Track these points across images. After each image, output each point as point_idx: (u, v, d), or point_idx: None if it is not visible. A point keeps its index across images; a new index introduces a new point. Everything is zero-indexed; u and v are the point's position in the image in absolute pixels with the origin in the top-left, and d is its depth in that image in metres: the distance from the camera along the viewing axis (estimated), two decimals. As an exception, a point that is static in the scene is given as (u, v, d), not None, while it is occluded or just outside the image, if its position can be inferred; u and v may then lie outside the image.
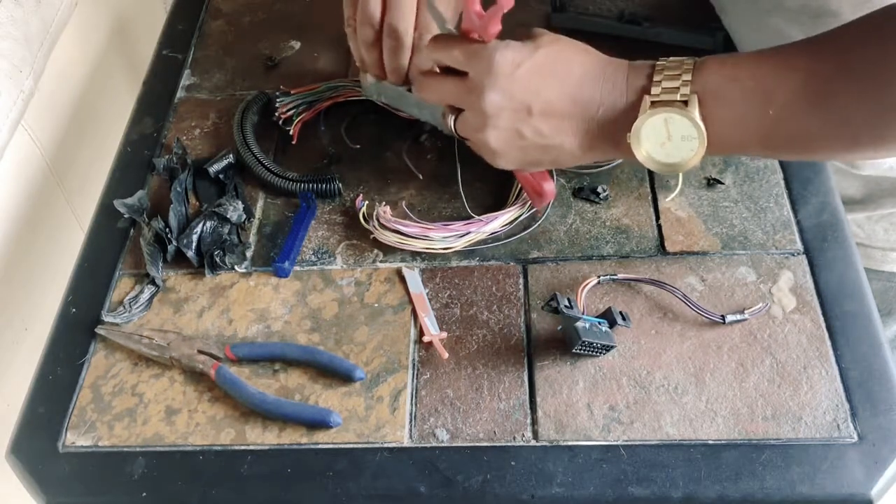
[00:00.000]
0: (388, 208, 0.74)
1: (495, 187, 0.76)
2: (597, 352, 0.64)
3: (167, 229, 0.74)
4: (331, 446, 0.62)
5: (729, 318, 0.66)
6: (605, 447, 0.61)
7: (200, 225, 0.74)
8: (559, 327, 0.66)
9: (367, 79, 0.79)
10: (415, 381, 0.65)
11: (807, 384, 0.63)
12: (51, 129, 0.93)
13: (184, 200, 0.77)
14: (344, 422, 0.63)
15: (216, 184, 0.79)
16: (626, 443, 0.61)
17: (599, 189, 0.75)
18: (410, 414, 0.63)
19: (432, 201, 0.77)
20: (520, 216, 0.74)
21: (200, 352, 0.67)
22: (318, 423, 0.63)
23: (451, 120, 0.67)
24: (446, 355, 0.65)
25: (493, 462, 0.60)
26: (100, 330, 0.70)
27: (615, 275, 0.69)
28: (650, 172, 0.77)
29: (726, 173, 0.76)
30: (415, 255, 0.73)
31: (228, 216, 0.74)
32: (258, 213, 0.78)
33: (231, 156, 0.80)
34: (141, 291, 0.72)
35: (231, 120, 0.84)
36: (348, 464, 0.61)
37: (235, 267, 0.73)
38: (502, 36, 0.62)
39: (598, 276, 0.69)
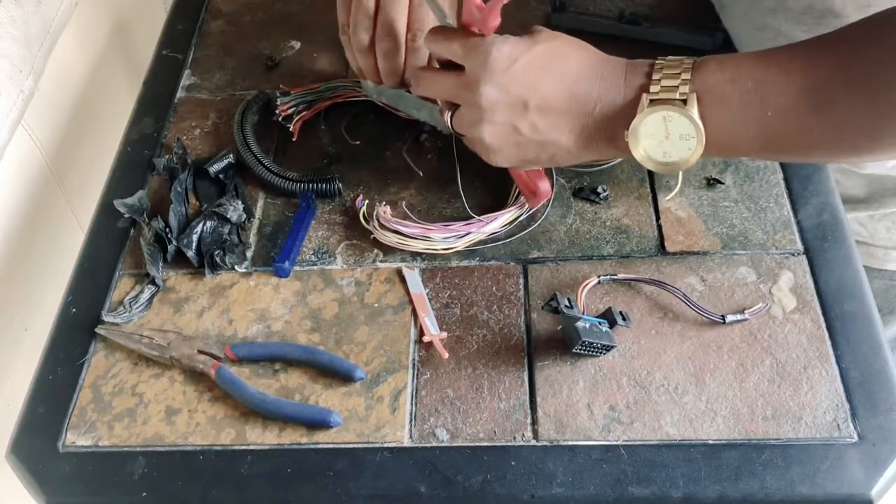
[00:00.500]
0: (388, 208, 0.74)
1: (495, 187, 0.76)
2: (597, 352, 0.64)
3: (167, 229, 0.74)
4: (331, 446, 0.62)
5: (729, 318, 0.66)
6: (605, 447, 0.61)
7: (200, 225, 0.74)
8: (559, 327, 0.66)
9: (366, 80, 0.79)
10: (415, 380, 0.65)
11: (807, 384, 0.63)
12: (51, 129, 0.93)
13: (184, 200, 0.77)
14: (344, 422, 0.63)
15: (216, 184, 0.79)
16: (626, 443, 0.61)
17: (599, 189, 0.75)
18: (410, 414, 0.63)
19: (432, 201, 0.77)
20: (520, 216, 0.74)
21: (200, 352, 0.67)
22: (318, 423, 0.63)
23: (447, 116, 0.67)
24: (446, 355, 0.65)
25: (493, 462, 0.61)
26: (100, 330, 0.70)
27: (615, 275, 0.69)
28: (650, 172, 0.77)
29: (726, 173, 0.76)
30: (415, 255, 0.73)
31: (228, 216, 0.74)
32: (258, 213, 0.78)
33: (231, 156, 0.80)
34: (141, 291, 0.72)
35: (231, 120, 0.84)
36: (348, 464, 0.61)
37: (235, 267, 0.73)
38: (501, 34, 0.62)
39: (599, 276, 0.69)
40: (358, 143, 0.82)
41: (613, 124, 0.61)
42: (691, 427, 0.61)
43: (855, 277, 0.68)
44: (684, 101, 0.59)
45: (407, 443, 0.62)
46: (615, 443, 0.61)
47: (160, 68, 0.93)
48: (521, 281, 0.70)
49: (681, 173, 0.73)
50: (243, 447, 0.63)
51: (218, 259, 0.73)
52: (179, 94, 0.89)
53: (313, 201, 0.77)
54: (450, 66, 0.65)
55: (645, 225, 0.73)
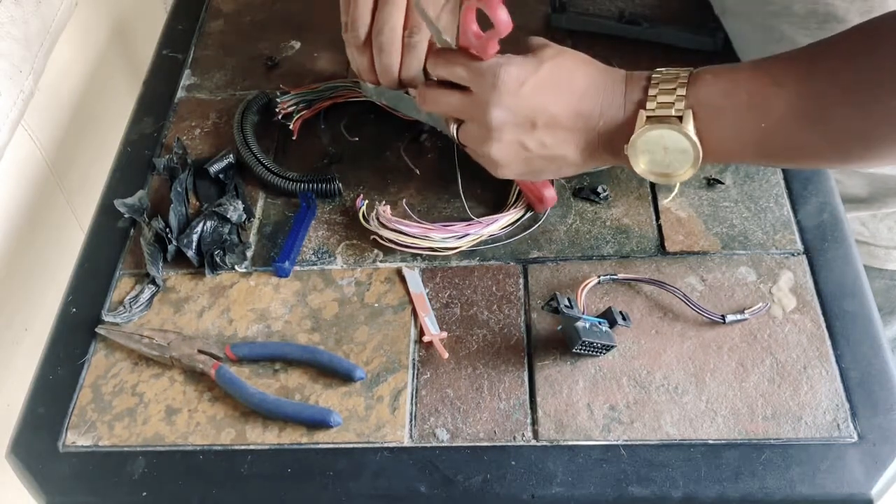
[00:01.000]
0: (388, 208, 0.74)
1: (495, 188, 0.76)
2: (597, 352, 0.64)
3: (167, 229, 0.74)
4: (331, 446, 0.62)
5: (729, 318, 0.66)
6: (605, 447, 0.61)
7: (200, 225, 0.74)
8: (559, 327, 0.66)
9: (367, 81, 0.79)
10: (415, 380, 0.65)
11: (807, 384, 0.63)
12: (51, 129, 0.93)
13: (184, 200, 0.77)
14: (344, 422, 0.63)
15: (216, 184, 0.79)
16: (626, 443, 0.61)
17: (599, 189, 0.75)
18: (410, 414, 0.63)
19: (432, 201, 0.77)
20: (520, 218, 0.74)
21: (200, 352, 0.67)
22: (318, 422, 0.63)
23: (453, 129, 0.67)
24: (446, 355, 0.65)
25: (493, 462, 0.61)
26: (100, 330, 0.70)
27: (615, 275, 0.69)
28: (650, 172, 0.77)
29: (726, 173, 0.76)
30: (415, 254, 0.73)
31: (228, 216, 0.74)
32: (258, 212, 0.78)
33: (231, 156, 0.80)
34: (141, 291, 0.72)
35: (231, 120, 0.84)
36: (348, 464, 0.61)
37: (235, 267, 0.73)
38: (502, 42, 0.62)
39: (599, 276, 0.69)
40: (357, 139, 0.82)
41: (615, 138, 0.63)
42: (691, 427, 0.61)
43: (855, 277, 0.68)
44: (680, 118, 0.60)
45: (407, 443, 0.62)
46: (615, 443, 0.61)
47: (160, 68, 0.93)
48: (521, 281, 0.70)
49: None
50: (243, 447, 0.63)
51: (218, 259, 0.73)
52: (179, 94, 0.89)
53: (313, 201, 0.77)
54: (454, 86, 0.66)
55: (645, 225, 0.73)
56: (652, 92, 0.61)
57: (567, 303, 0.64)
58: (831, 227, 0.71)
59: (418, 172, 0.79)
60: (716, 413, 0.62)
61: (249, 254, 0.74)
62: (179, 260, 0.74)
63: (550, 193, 0.72)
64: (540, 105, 0.62)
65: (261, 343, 0.68)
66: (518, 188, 0.75)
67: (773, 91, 0.58)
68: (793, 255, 0.70)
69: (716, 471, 0.59)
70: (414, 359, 0.66)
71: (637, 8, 0.90)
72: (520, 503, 0.59)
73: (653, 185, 0.76)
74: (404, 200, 0.77)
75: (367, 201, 0.76)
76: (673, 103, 0.60)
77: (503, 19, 0.59)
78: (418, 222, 0.73)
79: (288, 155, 0.82)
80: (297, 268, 0.73)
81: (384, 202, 0.75)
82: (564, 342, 0.65)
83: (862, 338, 0.65)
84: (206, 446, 0.63)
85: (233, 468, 0.62)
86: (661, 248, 0.71)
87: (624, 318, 0.65)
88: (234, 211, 0.75)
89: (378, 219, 0.73)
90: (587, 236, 0.73)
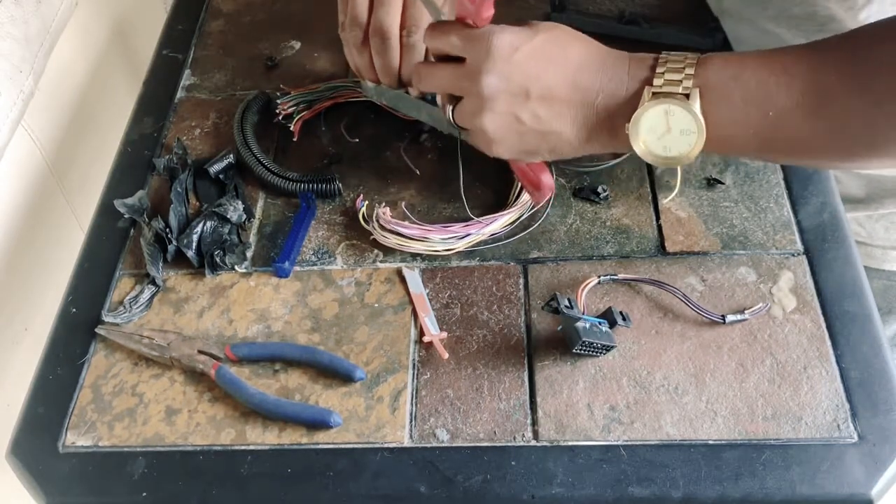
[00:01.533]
0: (387, 209, 0.74)
1: (495, 188, 0.76)
2: (597, 352, 0.64)
3: (167, 229, 0.74)
4: (331, 446, 0.62)
5: (729, 318, 0.66)
6: (605, 447, 0.61)
7: (200, 225, 0.74)
8: (559, 327, 0.66)
9: (366, 80, 0.79)
10: (415, 381, 0.65)
11: (807, 384, 0.63)
12: (51, 129, 0.93)
13: (184, 200, 0.77)
14: (344, 422, 0.63)
15: (216, 184, 0.79)
16: (626, 443, 0.61)
17: (599, 189, 0.75)
18: (410, 414, 0.63)
19: (432, 202, 0.77)
20: (520, 217, 0.74)
21: (200, 352, 0.67)
22: (318, 423, 0.63)
23: (448, 109, 0.67)
24: (446, 355, 0.65)
25: (493, 462, 0.60)
26: (100, 330, 0.70)
27: (615, 275, 0.69)
28: (650, 172, 0.77)
29: (726, 173, 0.76)
30: (415, 255, 0.73)
31: (228, 216, 0.74)
32: (258, 213, 0.78)
33: (231, 156, 0.80)
34: (141, 291, 0.72)
35: (231, 120, 0.84)
36: (348, 464, 0.61)
37: (235, 267, 0.73)
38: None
39: (599, 276, 0.69)
40: (357, 140, 0.82)
41: (615, 116, 0.62)
42: (691, 427, 0.61)
43: (855, 277, 0.68)
44: (687, 96, 0.59)
45: (407, 443, 0.62)
46: (615, 443, 0.61)
47: (160, 68, 0.93)
48: (521, 281, 0.70)
49: (680, 172, 0.74)
50: (243, 447, 0.63)
51: (218, 259, 0.73)
52: (179, 94, 0.89)
53: (313, 201, 0.77)
54: (450, 61, 0.65)
55: (645, 225, 0.73)
56: (660, 69, 0.60)
57: (567, 303, 0.64)
58: (831, 228, 0.71)
59: (418, 172, 0.79)
60: (716, 413, 0.62)
61: (249, 254, 0.74)
62: (179, 260, 0.74)
63: (548, 179, 0.70)
64: (534, 73, 0.61)
65: (261, 343, 0.68)
66: (518, 186, 0.75)
67: (782, 80, 0.57)
68: (793, 255, 0.70)
69: (716, 471, 0.59)
70: (414, 359, 0.66)
71: (637, 8, 0.90)
72: (520, 503, 0.59)
73: (653, 186, 0.76)
74: (404, 201, 0.77)
75: (367, 202, 0.76)
76: (681, 81, 0.59)
77: None
78: (418, 224, 0.73)
79: (288, 155, 0.82)
80: (297, 268, 0.73)
81: (384, 203, 0.75)
82: (564, 342, 0.65)
83: (862, 338, 0.65)
84: (206, 446, 0.63)
85: (233, 468, 0.62)
86: (661, 249, 0.71)
87: (624, 319, 0.65)
88: (234, 211, 0.75)
89: (378, 221, 0.73)
90: (587, 236, 0.73)
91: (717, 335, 0.66)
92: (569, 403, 0.63)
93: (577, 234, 0.73)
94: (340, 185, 0.77)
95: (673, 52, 0.61)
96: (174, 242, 0.74)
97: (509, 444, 0.61)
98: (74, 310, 0.72)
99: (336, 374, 0.66)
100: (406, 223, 0.73)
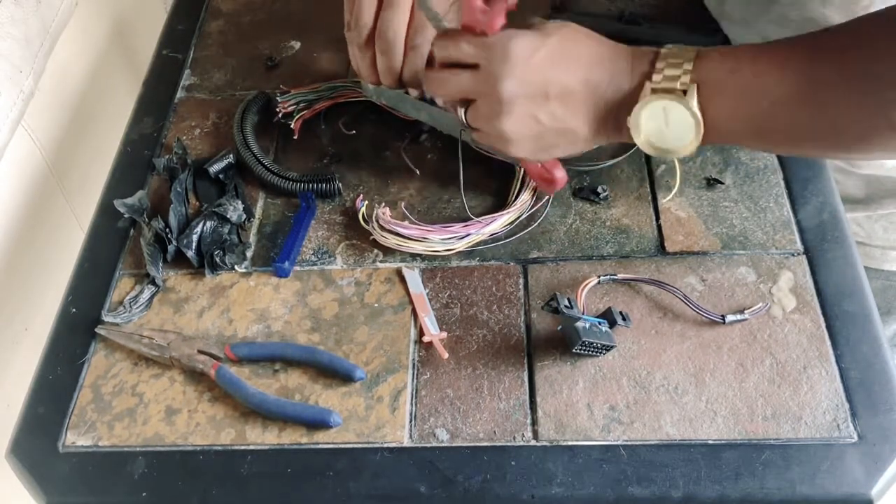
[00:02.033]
0: (387, 210, 0.74)
1: (495, 188, 0.76)
2: (597, 352, 0.64)
3: (167, 229, 0.74)
4: (331, 446, 0.62)
5: (729, 318, 0.66)
6: (605, 447, 0.61)
7: (200, 225, 0.74)
8: (559, 327, 0.66)
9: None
10: (415, 381, 0.65)
11: (807, 384, 0.63)
12: (51, 129, 0.93)
13: (184, 200, 0.77)
14: (344, 422, 0.63)
15: (216, 184, 0.79)
16: (626, 443, 0.61)
17: (599, 189, 0.75)
18: (410, 414, 0.63)
19: (432, 201, 0.77)
20: (519, 217, 0.74)
21: (200, 352, 0.67)
22: (318, 423, 0.63)
23: (461, 112, 0.67)
24: (446, 355, 0.65)
25: (493, 462, 0.61)
26: (100, 330, 0.70)
27: (615, 275, 0.69)
28: (650, 173, 0.77)
29: (726, 173, 0.76)
30: (415, 255, 0.73)
31: (228, 216, 0.74)
32: (258, 213, 0.78)
33: (231, 156, 0.80)
34: (141, 291, 0.72)
35: (231, 120, 0.84)
36: (348, 464, 0.61)
37: (235, 267, 0.73)
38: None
39: (598, 276, 0.69)
40: (354, 132, 0.82)
41: (620, 109, 0.63)
42: (691, 427, 0.61)
43: (855, 277, 0.68)
44: (684, 92, 0.60)
45: (407, 443, 0.62)
46: (615, 443, 0.61)
47: (160, 68, 0.93)
48: (521, 281, 0.70)
49: (679, 171, 0.74)
50: (243, 447, 0.63)
51: (218, 259, 0.73)
52: (179, 94, 0.89)
53: (313, 201, 0.77)
54: (456, 66, 0.65)
55: (645, 225, 0.73)
56: (659, 65, 0.61)
57: (567, 303, 0.64)
58: (831, 228, 0.71)
59: (418, 172, 0.79)
60: (716, 413, 0.62)
61: (249, 254, 0.74)
62: (179, 260, 0.74)
63: (561, 173, 0.70)
64: (551, 75, 0.62)
65: (261, 343, 0.68)
66: (517, 186, 0.75)
67: (777, 73, 0.58)
68: (793, 255, 0.70)
69: (716, 471, 0.59)
70: (414, 359, 0.66)
71: (637, 8, 0.90)
72: (520, 503, 0.59)
73: (653, 185, 0.76)
74: (404, 201, 0.77)
75: (366, 201, 0.76)
76: (679, 76, 0.60)
77: None
78: (417, 224, 0.73)
79: (288, 155, 0.82)
80: (296, 268, 0.73)
81: (384, 203, 0.75)
82: (564, 342, 0.65)
83: (862, 338, 0.65)
84: (205, 446, 0.63)
85: (233, 468, 0.62)
86: (661, 248, 0.71)
87: (624, 319, 0.65)
88: (234, 211, 0.75)
89: (378, 221, 0.73)
90: (587, 236, 0.73)
91: (717, 335, 0.66)
92: (569, 403, 0.63)
93: (576, 234, 0.73)
94: (340, 184, 0.77)
95: (672, 46, 0.61)
96: (174, 242, 0.74)
97: (509, 443, 0.61)
98: (74, 310, 0.72)
99: (336, 374, 0.66)
100: (406, 223, 0.73)
